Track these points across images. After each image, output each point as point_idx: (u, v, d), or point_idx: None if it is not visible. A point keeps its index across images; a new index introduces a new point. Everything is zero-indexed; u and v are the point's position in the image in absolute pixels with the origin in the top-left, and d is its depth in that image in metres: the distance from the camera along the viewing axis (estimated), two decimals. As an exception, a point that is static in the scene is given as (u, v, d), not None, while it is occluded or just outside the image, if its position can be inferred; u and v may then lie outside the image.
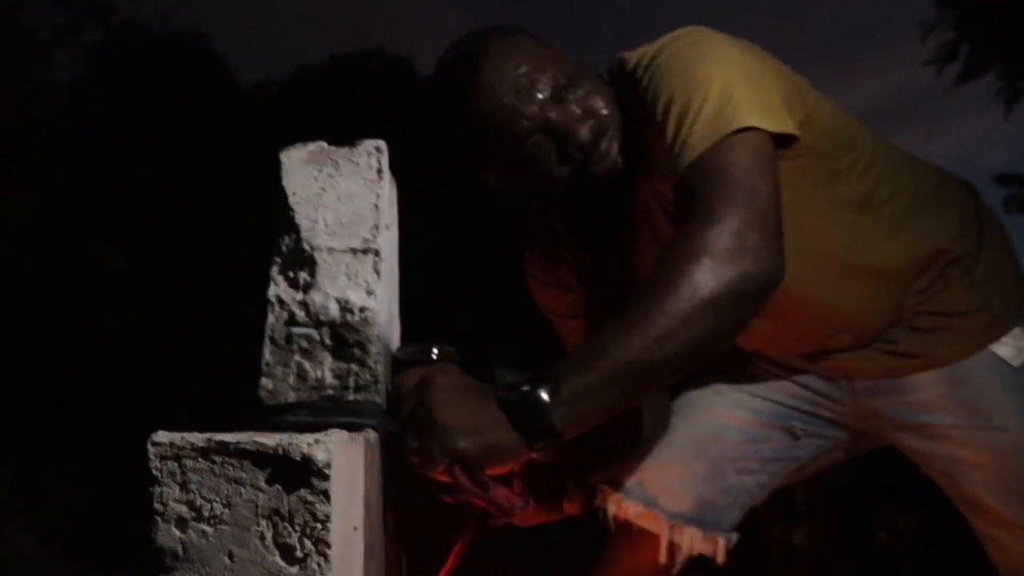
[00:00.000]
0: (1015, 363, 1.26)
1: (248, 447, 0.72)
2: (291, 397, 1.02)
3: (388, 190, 1.10)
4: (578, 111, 1.16)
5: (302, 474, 0.71)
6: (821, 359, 1.33)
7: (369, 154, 1.08)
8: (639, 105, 1.14)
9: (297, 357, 1.03)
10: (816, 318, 1.27)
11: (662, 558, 1.35)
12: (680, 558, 1.36)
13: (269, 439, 0.73)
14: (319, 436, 0.73)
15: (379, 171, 1.08)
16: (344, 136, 1.10)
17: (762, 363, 1.39)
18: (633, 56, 1.20)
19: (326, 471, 0.71)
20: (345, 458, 0.77)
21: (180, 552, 0.72)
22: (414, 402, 0.96)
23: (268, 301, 1.06)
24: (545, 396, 0.91)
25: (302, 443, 0.72)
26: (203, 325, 6.77)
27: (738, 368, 1.40)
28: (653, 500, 1.37)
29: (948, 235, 1.27)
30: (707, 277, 0.93)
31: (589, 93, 1.17)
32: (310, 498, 0.71)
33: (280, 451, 0.72)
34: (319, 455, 0.71)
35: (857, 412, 1.36)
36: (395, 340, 1.16)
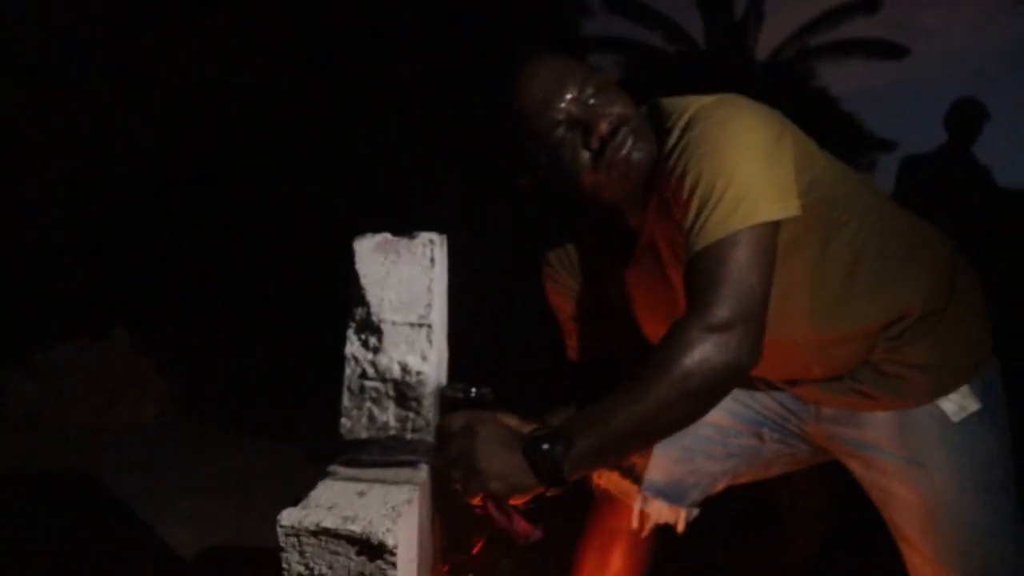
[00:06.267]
0: (955, 419, 1.46)
1: (343, 532, 1.06)
2: (363, 435, 1.36)
3: (440, 272, 1.39)
4: (600, 110, 1.37)
5: (378, 551, 1.06)
6: (797, 384, 1.56)
7: (424, 246, 1.37)
8: (666, 157, 1.34)
9: (368, 404, 1.36)
10: (794, 355, 1.49)
11: (634, 523, 1.65)
12: (648, 525, 1.65)
13: (357, 525, 1.07)
14: (389, 525, 1.07)
15: (432, 259, 1.37)
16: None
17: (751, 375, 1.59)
18: (670, 108, 1.38)
19: (394, 551, 1.06)
20: (405, 535, 1.11)
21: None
22: (459, 445, 1.24)
23: (345, 357, 1.38)
24: (559, 454, 1.19)
25: (379, 530, 1.06)
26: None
27: None
28: (631, 470, 1.65)
29: (925, 292, 1.44)
30: (696, 371, 1.17)
31: (612, 99, 1.38)
32: (383, 566, 1.06)
33: (365, 536, 1.06)
34: (389, 541, 1.06)
35: (818, 433, 1.59)
36: (443, 380, 1.48)
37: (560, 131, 1.37)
